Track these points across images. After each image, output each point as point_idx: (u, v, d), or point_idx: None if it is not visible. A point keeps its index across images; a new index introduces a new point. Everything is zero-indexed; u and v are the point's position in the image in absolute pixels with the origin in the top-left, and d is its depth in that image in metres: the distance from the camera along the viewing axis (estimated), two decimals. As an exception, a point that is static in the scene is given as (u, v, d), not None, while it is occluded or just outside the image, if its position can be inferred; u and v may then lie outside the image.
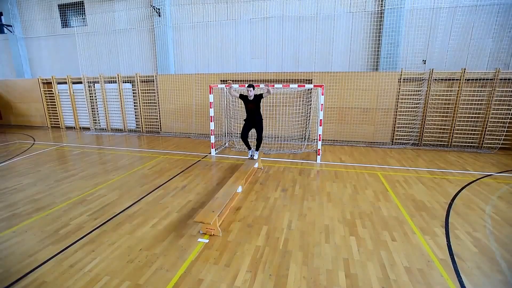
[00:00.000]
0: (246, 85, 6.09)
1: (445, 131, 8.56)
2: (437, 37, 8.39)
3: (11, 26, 12.26)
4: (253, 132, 6.61)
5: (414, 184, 5.55)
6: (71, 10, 11.75)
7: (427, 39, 8.50)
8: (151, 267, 3.06)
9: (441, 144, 8.64)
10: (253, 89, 5.97)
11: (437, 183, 5.59)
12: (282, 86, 7.11)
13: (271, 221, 4.11)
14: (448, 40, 8.37)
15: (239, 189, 5.20)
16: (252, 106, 6.11)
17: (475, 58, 8.27)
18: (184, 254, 3.29)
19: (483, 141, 8.24)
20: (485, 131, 8.18)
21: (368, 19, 8.81)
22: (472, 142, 8.36)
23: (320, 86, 6.86)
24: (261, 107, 6.21)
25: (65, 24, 12.04)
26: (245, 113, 6.35)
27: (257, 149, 6.47)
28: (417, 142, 8.85)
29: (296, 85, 7.03)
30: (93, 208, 4.55)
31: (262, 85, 6.28)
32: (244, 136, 6.44)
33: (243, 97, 6.23)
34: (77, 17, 11.71)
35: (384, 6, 8.42)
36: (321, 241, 3.56)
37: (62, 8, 11.83)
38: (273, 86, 7.32)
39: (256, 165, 6.61)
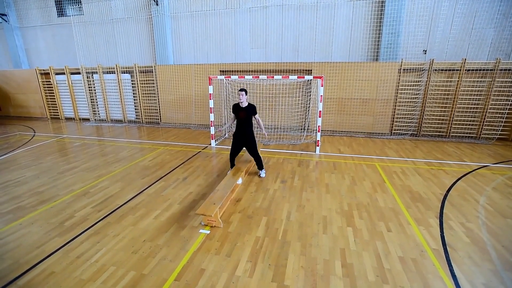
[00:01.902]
0: (239, 89, 5.39)
1: (444, 122, 8.60)
2: (438, 26, 8.29)
3: (5, 15, 12.04)
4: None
5: (411, 175, 5.65)
6: (66, -2, 11.52)
7: (428, 28, 8.40)
8: (154, 258, 3.18)
9: (439, 135, 8.70)
10: (246, 94, 5.20)
11: (433, 174, 5.69)
12: (282, 77, 7.09)
13: (271, 212, 4.22)
14: (450, 30, 8.28)
15: (239, 181, 5.29)
16: (243, 115, 5.25)
17: (476, 48, 8.20)
18: (186, 245, 3.41)
19: (481, 131, 8.30)
20: (483, 122, 8.22)
21: (368, 8, 8.68)
22: (470, 133, 8.42)
23: (320, 77, 6.84)
24: (253, 118, 5.40)
25: (61, 13, 11.82)
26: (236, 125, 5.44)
27: (260, 168, 5.65)
28: (415, 133, 8.91)
29: (295, 77, 7.00)
30: (96, 200, 4.65)
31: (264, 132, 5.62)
32: (232, 156, 5.55)
33: (235, 108, 5.38)
34: (73, 5, 11.49)
35: (385, -6, 8.27)
36: (319, 232, 3.68)
37: (57, -4, 11.60)
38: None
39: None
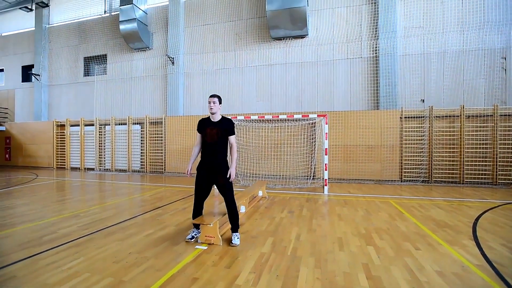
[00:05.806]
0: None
1: (455, 167, 8.30)
2: (431, 78, 8.90)
3: (38, 75, 13.48)
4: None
5: (431, 209, 5.13)
6: (94, 61, 13.05)
7: (422, 80, 9.00)
8: (139, 267, 2.65)
9: (453, 181, 8.28)
10: (219, 101, 3.44)
11: (456, 208, 5.17)
12: (287, 116, 7.30)
13: (278, 234, 3.71)
14: (442, 81, 8.84)
15: (242, 209, 4.85)
16: (215, 133, 3.38)
17: (471, 96, 8.58)
18: (179, 257, 2.89)
19: (496, 176, 7.90)
20: (496, 165, 7.91)
21: (364, 64, 9.54)
22: (485, 178, 8.01)
23: (324, 115, 7.02)
24: (229, 147, 3.56)
25: (87, 73, 13.22)
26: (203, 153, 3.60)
27: (234, 230, 3.40)
28: (427, 179, 8.52)
29: (300, 115, 7.21)
30: (85, 221, 4.21)
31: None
32: (199, 202, 3.57)
33: (201, 125, 3.52)
34: (98, 66, 12.92)
35: (378, 52, 9.21)
36: (335, 249, 3.13)
37: (87, 59, 13.18)
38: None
39: (260, 193, 6.31)
